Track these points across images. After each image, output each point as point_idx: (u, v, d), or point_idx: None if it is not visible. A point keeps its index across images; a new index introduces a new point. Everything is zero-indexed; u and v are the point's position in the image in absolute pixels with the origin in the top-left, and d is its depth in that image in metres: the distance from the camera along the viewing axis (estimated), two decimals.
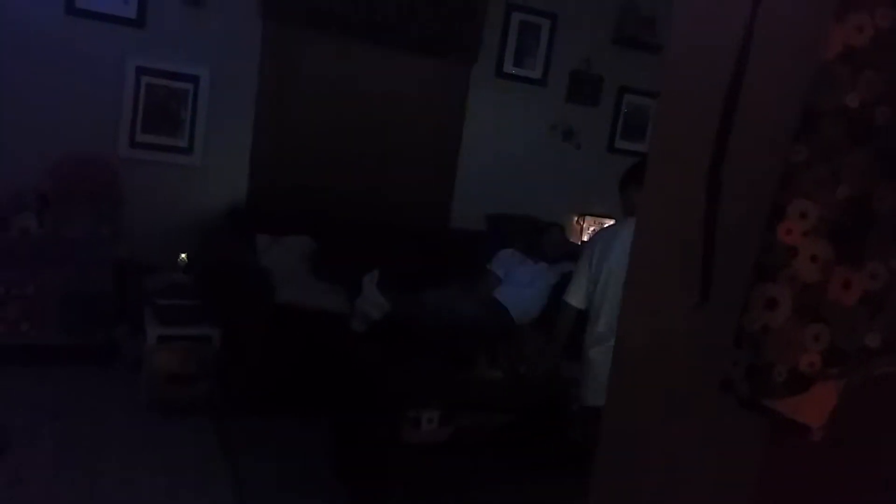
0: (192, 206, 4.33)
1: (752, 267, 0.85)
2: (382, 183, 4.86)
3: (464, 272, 4.50)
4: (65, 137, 4.00)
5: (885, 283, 0.84)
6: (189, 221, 4.31)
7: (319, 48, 4.57)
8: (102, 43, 4.04)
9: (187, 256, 4.00)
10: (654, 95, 5.15)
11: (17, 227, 3.76)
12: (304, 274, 4.14)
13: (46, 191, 3.86)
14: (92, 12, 4.00)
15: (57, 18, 3.93)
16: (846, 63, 0.84)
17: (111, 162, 4.09)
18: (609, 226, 2.89)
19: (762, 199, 0.88)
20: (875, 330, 0.85)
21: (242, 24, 4.32)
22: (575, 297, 2.79)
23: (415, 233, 4.72)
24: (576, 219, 5.49)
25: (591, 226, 5.47)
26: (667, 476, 1.07)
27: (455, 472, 3.26)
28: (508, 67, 5.11)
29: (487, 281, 4.33)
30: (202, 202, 4.35)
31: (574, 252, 4.21)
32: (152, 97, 4.20)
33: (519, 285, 4.25)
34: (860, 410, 0.90)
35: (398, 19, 4.65)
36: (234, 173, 4.44)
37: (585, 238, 5.36)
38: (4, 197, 3.79)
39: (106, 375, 3.81)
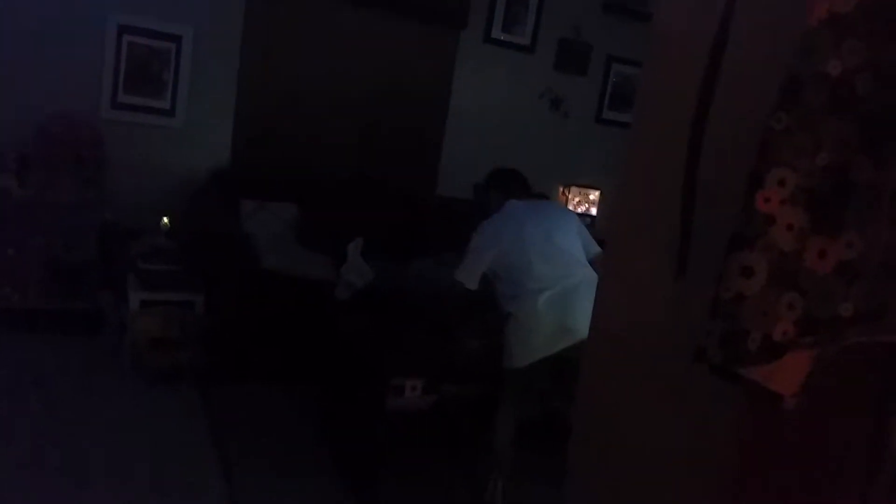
0: (175, 169, 4.27)
1: (730, 235, 0.85)
2: (369, 149, 4.82)
3: (450, 241, 4.49)
4: (45, 97, 3.92)
5: (861, 253, 0.84)
6: (172, 185, 4.25)
7: (305, 10, 4.49)
8: (83, 0, 3.95)
9: (170, 221, 3.96)
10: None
11: None
12: (288, 241, 4.12)
13: (27, 152, 3.79)
14: None
15: None
16: (830, 29, 0.84)
17: (93, 123, 4.02)
18: (500, 215, 3.05)
19: (740, 170, 0.87)
20: (849, 299, 0.85)
21: None
22: (469, 280, 2.96)
23: (401, 201, 4.69)
24: (561, 189, 5.48)
25: (577, 196, 5.47)
26: (643, 443, 1.08)
27: (438, 440, 3.29)
28: (497, 33, 5.06)
29: None
30: (185, 165, 4.29)
31: None
32: (134, 57, 4.12)
33: None
34: (833, 379, 0.91)
35: None
36: (217, 136, 4.39)
37: (570, 208, 5.36)
38: None
39: (90, 341, 3.79)
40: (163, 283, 3.73)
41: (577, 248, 3.00)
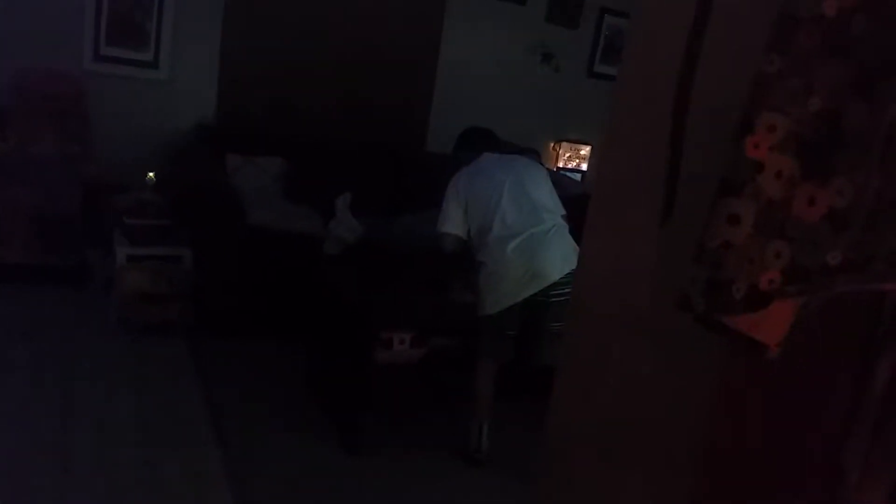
0: (159, 122, 4.21)
1: (717, 182, 0.83)
2: (357, 103, 4.75)
3: (439, 196, 4.46)
4: (25, 50, 3.82)
5: (851, 201, 0.83)
6: (157, 139, 4.20)
7: None
8: None
9: (156, 175, 3.91)
10: None
11: None
12: (276, 195, 4.08)
13: (5, 105, 3.71)
14: None
15: None
16: None
17: (75, 76, 3.93)
18: (471, 167, 3.12)
19: (730, 115, 0.85)
20: (838, 248, 0.83)
21: None
22: (456, 227, 3.04)
23: (390, 155, 4.65)
24: (552, 144, 5.44)
25: (567, 152, 5.43)
26: (625, 391, 1.08)
27: (426, 393, 3.32)
28: None
29: None
30: (170, 119, 4.23)
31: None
32: (116, 8, 4.02)
33: None
34: (817, 325, 0.91)
35: None
36: (202, 89, 4.31)
37: (561, 164, 5.34)
38: None
39: (77, 296, 3.77)
40: (149, 237, 3.70)
41: (547, 198, 3.05)
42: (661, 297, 0.95)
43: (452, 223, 3.05)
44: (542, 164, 4.22)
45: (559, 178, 4.35)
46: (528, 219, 2.93)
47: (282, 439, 2.91)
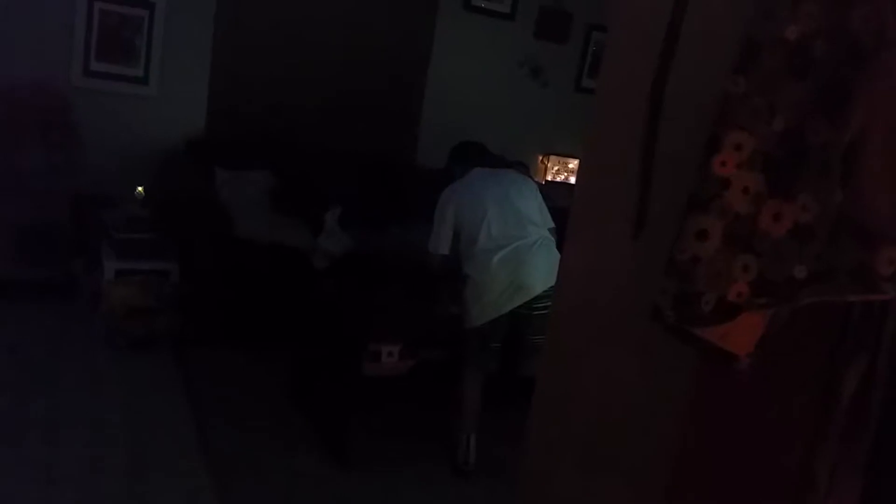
0: (148, 137, 4.22)
1: (687, 198, 0.86)
2: (347, 118, 4.78)
3: (428, 210, 4.49)
4: (15, 66, 3.84)
5: (816, 216, 0.86)
6: (146, 153, 4.21)
7: None
8: None
9: (144, 189, 3.92)
10: None
11: None
12: (264, 209, 4.10)
13: None
14: None
15: None
16: None
17: (64, 91, 3.95)
18: (461, 181, 3.15)
19: (700, 132, 0.88)
20: (803, 262, 0.87)
21: None
22: (443, 247, 3.08)
23: (379, 170, 4.67)
24: (540, 158, 5.49)
25: (556, 165, 5.48)
26: (603, 398, 1.10)
27: (414, 404, 3.33)
28: (476, 1, 5.01)
29: None
30: (159, 133, 4.24)
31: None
32: (106, 24, 4.04)
33: None
34: (786, 338, 0.94)
35: None
36: (191, 104, 4.33)
37: (549, 177, 5.38)
38: None
39: (64, 310, 3.77)
40: (138, 252, 3.71)
41: (534, 212, 3.07)
42: (637, 307, 0.98)
43: (438, 244, 3.09)
44: (530, 177, 4.27)
45: (549, 190, 4.38)
46: (513, 231, 2.96)
47: (269, 451, 2.91)
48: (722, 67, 0.89)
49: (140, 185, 3.96)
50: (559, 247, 2.95)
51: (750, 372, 0.92)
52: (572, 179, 5.48)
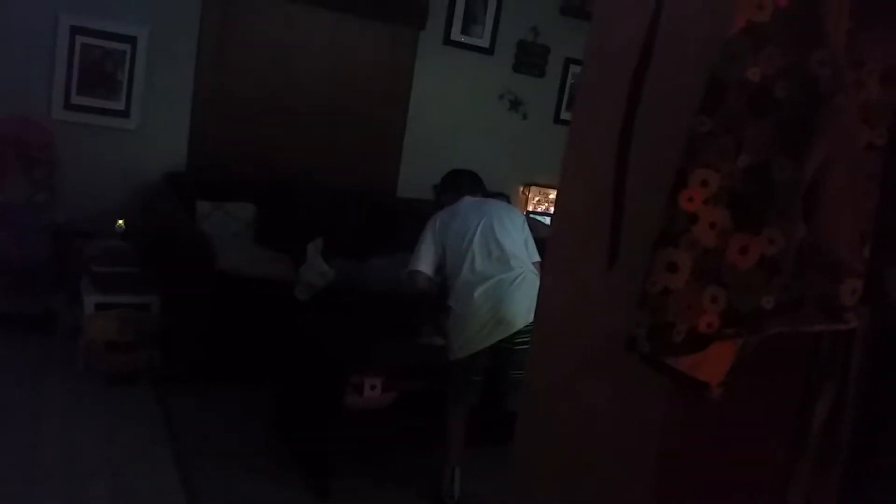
0: (129, 170, 4.23)
1: (656, 232, 0.89)
2: (328, 150, 4.82)
3: (411, 241, 4.51)
4: None
5: (781, 249, 0.89)
6: (127, 186, 4.21)
7: (262, 10, 4.47)
8: (35, 0, 3.88)
9: (125, 223, 3.91)
10: None
11: None
12: (246, 241, 4.10)
13: None
14: None
15: None
16: (748, 38, 0.88)
17: (45, 124, 3.95)
18: (448, 209, 3.19)
19: (668, 169, 0.92)
20: (771, 293, 0.89)
21: None
22: (426, 266, 3.10)
23: (361, 201, 4.70)
24: (521, 189, 5.55)
25: (536, 196, 5.54)
26: (583, 427, 1.12)
27: (397, 437, 3.32)
28: (456, 35, 5.10)
29: None
30: (140, 167, 4.25)
31: None
32: (88, 58, 4.06)
33: None
34: (756, 367, 0.96)
35: None
36: (173, 137, 4.35)
37: (531, 208, 5.44)
38: None
39: (43, 344, 3.72)
40: (118, 285, 3.69)
41: (518, 247, 3.08)
42: (612, 337, 1.00)
43: (422, 262, 3.09)
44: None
45: (531, 222, 4.43)
46: (496, 265, 2.97)
47: (250, 485, 2.88)
48: (689, 105, 0.93)
49: (121, 219, 3.95)
50: None
51: (722, 401, 0.94)
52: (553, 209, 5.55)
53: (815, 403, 0.99)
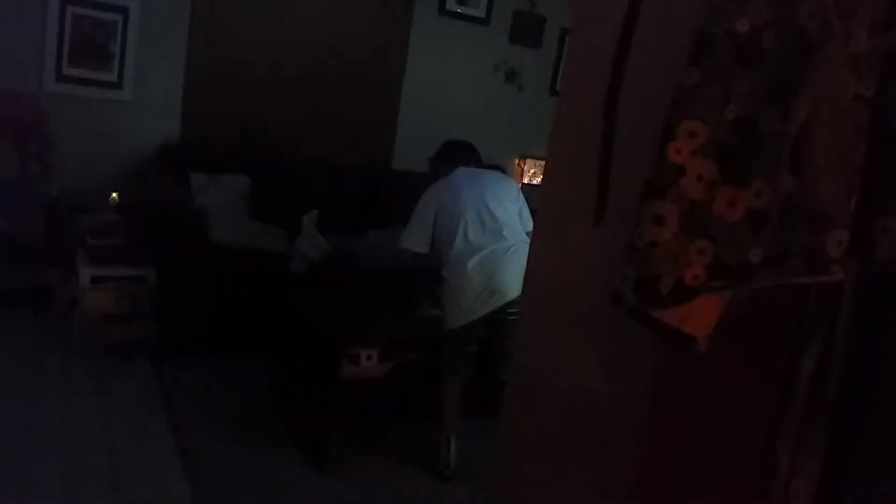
0: (123, 143, 4.20)
1: (643, 185, 0.89)
2: (322, 122, 4.79)
3: (405, 213, 4.50)
4: None
5: (769, 202, 0.89)
6: (120, 159, 4.19)
7: None
8: None
9: (119, 195, 3.90)
10: None
11: None
12: (241, 214, 4.09)
13: None
14: None
15: None
16: None
17: (36, 97, 3.92)
18: (442, 181, 3.18)
19: (656, 127, 0.91)
20: (759, 245, 0.89)
21: None
22: (416, 244, 3.10)
23: (356, 173, 4.68)
24: (517, 161, 5.53)
25: (532, 168, 5.52)
26: (574, 385, 1.13)
27: (393, 408, 3.34)
28: (451, 5, 5.05)
29: None
30: (134, 139, 4.23)
31: None
32: (79, 29, 4.02)
33: None
34: (744, 321, 0.97)
35: None
36: (166, 109, 4.32)
37: (526, 180, 5.42)
38: None
39: (39, 318, 3.73)
40: (113, 258, 3.68)
41: (512, 217, 3.08)
42: (600, 296, 1.00)
43: (411, 240, 3.10)
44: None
45: (526, 193, 4.42)
46: (489, 236, 2.97)
47: (248, 457, 2.90)
48: (676, 63, 0.92)
49: (115, 192, 3.94)
50: None
51: (710, 356, 0.95)
52: None
53: (802, 359, 1.00)
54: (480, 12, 5.16)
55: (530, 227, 3.10)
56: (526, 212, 3.15)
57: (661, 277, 0.88)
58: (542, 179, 1.28)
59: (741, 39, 0.88)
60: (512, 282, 2.85)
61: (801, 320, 1.00)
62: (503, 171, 4.89)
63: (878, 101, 0.88)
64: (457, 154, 3.31)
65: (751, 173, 0.89)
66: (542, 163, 5.50)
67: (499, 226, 3.00)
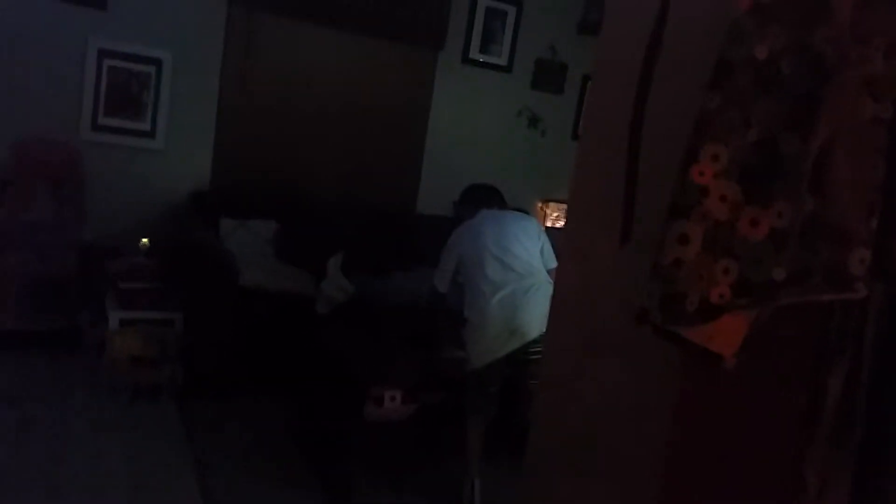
0: (155, 189, 4.32)
1: (667, 206, 0.91)
2: (349, 168, 4.89)
3: (429, 256, 4.54)
4: (26, 120, 3.96)
5: (791, 221, 0.91)
6: (152, 205, 4.30)
7: (285, 32, 4.58)
8: (64, 24, 4.01)
9: (150, 241, 3.99)
10: None
11: None
12: (268, 257, 4.15)
13: (6, 173, 3.82)
14: None
15: None
16: (755, 16, 0.91)
17: (73, 145, 4.06)
18: (466, 223, 3.23)
19: (679, 146, 0.94)
20: (781, 264, 0.91)
21: (206, 7, 4.32)
22: (440, 283, 3.18)
23: (381, 218, 4.75)
24: (540, 205, 5.57)
25: (555, 212, 5.55)
26: (595, 405, 1.13)
27: (417, 449, 3.32)
28: (475, 54, 5.17)
29: None
30: (165, 186, 4.34)
31: None
32: (115, 80, 4.18)
33: None
34: (771, 343, 0.97)
35: (366, 4, 4.68)
36: (197, 157, 4.44)
37: (549, 223, 5.45)
38: None
39: (68, 361, 3.78)
40: (142, 301, 3.75)
41: (534, 256, 3.09)
42: (625, 315, 1.02)
43: (438, 278, 3.17)
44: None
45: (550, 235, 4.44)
46: (510, 275, 2.98)
47: (270, 496, 2.90)
48: (697, 86, 0.95)
49: (145, 237, 4.03)
50: None
51: (734, 373, 0.95)
52: None
53: (829, 378, 0.99)
54: (503, 60, 5.27)
55: (553, 265, 3.11)
56: (548, 248, 3.16)
57: (686, 295, 0.90)
58: (568, 201, 1.30)
59: (760, 65, 0.91)
60: (533, 321, 2.84)
61: (826, 339, 1.01)
62: (526, 213, 4.93)
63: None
64: (480, 197, 3.35)
65: (773, 194, 0.91)
66: (565, 206, 5.53)
67: (519, 264, 3.01)
